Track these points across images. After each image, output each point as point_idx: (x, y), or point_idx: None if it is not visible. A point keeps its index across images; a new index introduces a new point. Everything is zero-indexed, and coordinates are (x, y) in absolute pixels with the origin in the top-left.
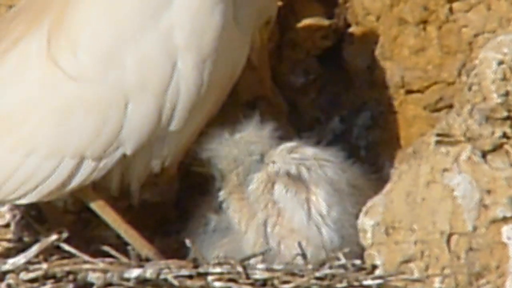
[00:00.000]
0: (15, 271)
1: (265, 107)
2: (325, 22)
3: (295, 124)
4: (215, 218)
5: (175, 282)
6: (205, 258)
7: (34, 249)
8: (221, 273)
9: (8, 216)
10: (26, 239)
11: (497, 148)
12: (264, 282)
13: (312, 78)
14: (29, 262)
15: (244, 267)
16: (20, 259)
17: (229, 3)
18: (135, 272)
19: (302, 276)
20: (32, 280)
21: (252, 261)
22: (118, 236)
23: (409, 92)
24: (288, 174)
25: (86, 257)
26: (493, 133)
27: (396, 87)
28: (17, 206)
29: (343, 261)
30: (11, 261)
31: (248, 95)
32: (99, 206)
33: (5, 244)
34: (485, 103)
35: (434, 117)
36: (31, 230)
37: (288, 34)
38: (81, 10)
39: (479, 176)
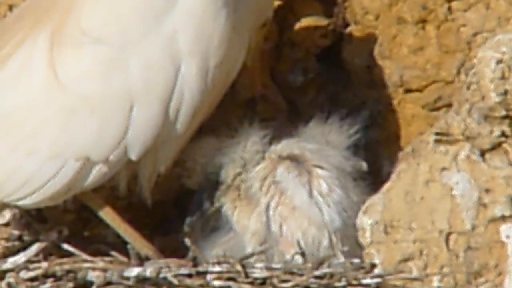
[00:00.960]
0: (15, 269)
1: (264, 106)
2: (324, 21)
3: (295, 123)
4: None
5: (175, 281)
6: (204, 257)
7: (34, 248)
8: (221, 272)
9: (8, 215)
10: (26, 238)
11: (495, 147)
12: (263, 281)
13: (311, 77)
14: (29, 261)
15: (243, 266)
16: (20, 258)
17: (231, 8)
18: (135, 271)
19: (301, 275)
20: (32, 279)
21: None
22: (118, 235)
23: (408, 91)
24: (290, 157)
25: (86, 256)
26: (491, 132)
27: (395, 86)
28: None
29: (342, 259)
30: (11, 260)
31: (248, 94)
32: (98, 206)
33: (5, 243)
34: (484, 102)
35: (433, 116)
36: (31, 229)
37: (287, 33)
38: (84, 14)
39: (477, 175)
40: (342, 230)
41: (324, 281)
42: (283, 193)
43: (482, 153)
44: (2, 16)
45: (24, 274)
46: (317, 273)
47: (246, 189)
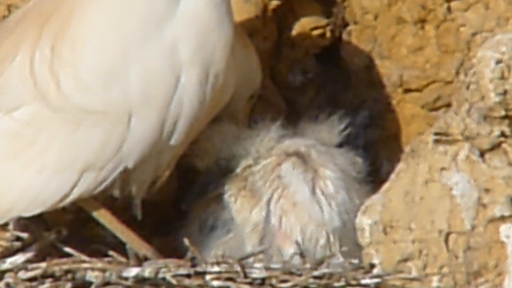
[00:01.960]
0: (14, 270)
1: (263, 106)
2: (323, 21)
3: (294, 123)
4: (214, 215)
5: (174, 281)
6: (203, 257)
7: (33, 248)
8: (219, 272)
9: None
10: (25, 238)
11: (495, 147)
12: (262, 281)
13: (310, 77)
14: (28, 261)
15: (242, 266)
16: (19, 258)
17: (233, 17)
18: (133, 271)
19: (300, 275)
20: (31, 279)
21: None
22: (116, 235)
23: (407, 91)
24: (297, 153)
25: (84, 256)
26: (491, 132)
27: (394, 86)
28: None
29: (341, 260)
30: (10, 260)
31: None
32: (94, 208)
33: (4, 243)
34: (483, 102)
35: (432, 116)
36: (29, 229)
37: (287, 33)
38: (85, 23)
39: (477, 175)
40: (341, 231)
41: (323, 281)
42: (286, 188)
43: (482, 153)
44: (1, 16)
45: (23, 274)
46: (316, 273)
47: (252, 182)
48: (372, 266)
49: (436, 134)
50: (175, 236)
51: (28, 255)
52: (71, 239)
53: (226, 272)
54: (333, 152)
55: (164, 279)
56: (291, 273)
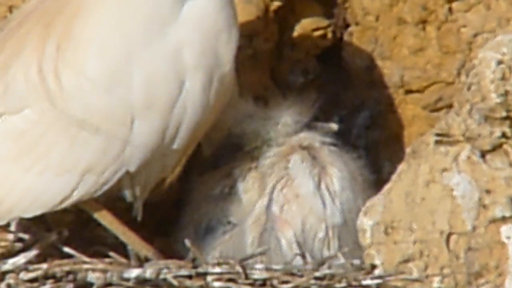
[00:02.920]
0: (15, 271)
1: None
2: (324, 22)
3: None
4: (208, 217)
5: (175, 282)
6: (204, 257)
7: (34, 249)
8: (221, 273)
9: None
10: (26, 239)
11: (496, 148)
12: (264, 282)
13: (311, 78)
14: (29, 262)
15: (244, 267)
16: (20, 259)
17: (238, 22)
18: (134, 272)
19: (302, 276)
20: (32, 280)
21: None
22: (118, 237)
23: (408, 92)
24: (309, 148)
25: (85, 257)
26: (492, 133)
27: (395, 87)
28: None
29: (342, 260)
30: (11, 261)
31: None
32: (95, 209)
33: (5, 244)
34: (484, 103)
35: (433, 117)
36: (31, 230)
37: (288, 34)
38: (89, 27)
39: (478, 175)
40: (341, 228)
41: (324, 282)
42: (291, 179)
43: (483, 154)
44: (2, 17)
45: (24, 275)
46: (317, 274)
47: (262, 166)
48: (373, 267)
49: (437, 135)
50: (173, 239)
51: (29, 256)
52: (72, 240)
53: (227, 273)
54: (344, 154)
55: (165, 280)
56: (292, 274)
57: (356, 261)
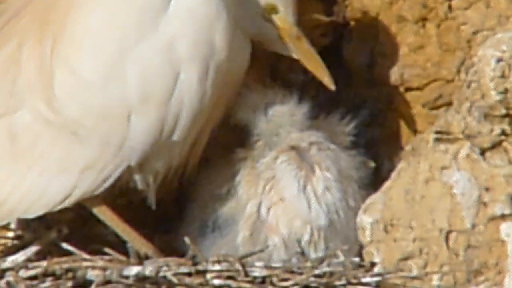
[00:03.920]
0: (15, 268)
1: None
2: (324, 19)
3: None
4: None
5: (174, 280)
6: (203, 255)
7: (34, 247)
8: (220, 271)
9: None
10: (25, 237)
11: (495, 145)
12: (263, 279)
13: (311, 75)
14: (28, 260)
15: (243, 265)
16: (20, 256)
17: (232, 11)
18: (134, 270)
19: (301, 273)
20: (32, 278)
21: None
22: (117, 234)
23: (408, 89)
24: (296, 149)
25: (85, 255)
26: (491, 130)
27: (395, 85)
28: None
29: (341, 258)
30: (10, 258)
31: None
32: (95, 205)
33: (5, 242)
34: (484, 100)
35: (433, 114)
36: (30, 228)
37: None
38: (81, 23)
39: (477, 173)
40: (327, 230)
41: (324, 280)
42: (277, 181)
43: (482, 152)
44: None
45: (24, 273)
46: (317, 272)
47: (259, 167)
48: (373, 264)
49: (437, 132)
50: (174, 235)
51: (29, 253)
52: (72, 237)
53: (227, 270)
54: (339, 153)
55: (165, 277)
56: (292, 272)
57: (356, 259)
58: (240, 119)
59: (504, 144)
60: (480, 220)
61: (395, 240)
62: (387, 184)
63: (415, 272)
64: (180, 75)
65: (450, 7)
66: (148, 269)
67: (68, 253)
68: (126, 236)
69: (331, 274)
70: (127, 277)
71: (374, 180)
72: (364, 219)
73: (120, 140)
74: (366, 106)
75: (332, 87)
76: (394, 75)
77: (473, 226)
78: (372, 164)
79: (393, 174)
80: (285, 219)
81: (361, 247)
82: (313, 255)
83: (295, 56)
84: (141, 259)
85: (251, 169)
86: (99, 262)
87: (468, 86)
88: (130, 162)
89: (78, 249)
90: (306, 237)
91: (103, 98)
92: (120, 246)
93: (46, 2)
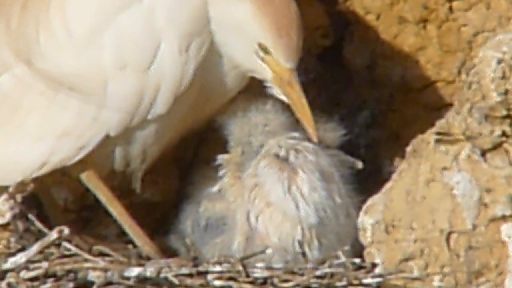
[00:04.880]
0: (16, 269)
1: None
2: (325, 21)
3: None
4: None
5: (176, 281)
6: (203, 256)
7: (35, 247)
8: (221, 272)
9: (8, 215)
10: (26, 237)
11: (496, 146)
12: (264, 280)
13: (312, 77)
14: (29, 261)
15: (244, 266)
16: (21, 257)
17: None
18: (135, 271)
19: (302, 274)
20: (33, 279)
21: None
22: (119, 235)
23: (409, 90)
24: (276, 155)
25: (86, 256)
26: (492, 131)
27: (396, 86)
28: (18, 204)
29: (342, 259)
30: (11, 259)
31: None
32: (108, 198)
33: (6, 243)
34: (485, 101)
35: (433, 115)
36: (31, 229)
37: None
38: None
39: (478, 174)
40: (318, 228)
41: (325, 281)
42: (261, 187)
43: (483, 153)
44: None
45: (25, 274)
46: (317, 273)
47: (244, 175)
48: (374, 265)
49: (438, 133)
50: (168, 236)
51: (30, 254)
52: (73, 238)
53: (228, 271)
54: (318, 151)
55: (166, 278)
56: (293, 273)
57: (357, 260)
58: (218, 123)
59: (505, 145)
60: (481, 221)
61: (396, 241)
62: (388, 185)
63: (416, 273)
64: (160, 45)
65: (451, 8)
66: (149, 270)
67: (69, 254)
68: (132, 232)
69: (332, 275)
70: (128, 278)
71: (375, 181)
72: (365, 220)
73: (97, 107)
74: (367, 107)
75: (315, 139)
76: (395, 76)
77: (474, 227)
78: (359, 165)
79: (394, 175)
80: (274, 226)
81: (362, 247)
82: (308, 254)
83: (285, 100)
84: (142, 260)
85: (234, 177)
86: (100, 263)
87: (469, 87)
88: (108, 131)
89: (79, 250)
90: (298, 238)
91: (80, 62)
92: (121, 247)
93: None
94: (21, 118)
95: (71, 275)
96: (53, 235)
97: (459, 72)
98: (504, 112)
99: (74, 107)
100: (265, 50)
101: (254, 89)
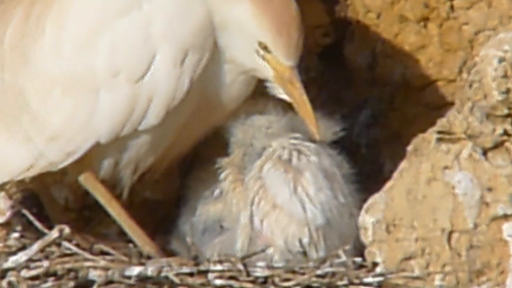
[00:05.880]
0: (16, 268)
1: None
2: (326, 19)
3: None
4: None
5: (176, 280)
6: (204, 255)
7: (35, 246)
8: (222, 271)
9: (9, 214)
10: (27, 236)
11: (497, 145)
12: (265, 279)
13: (313, 75)
14: (30, 260)
15: (245, 265)
16: (21, 256)
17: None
18: (136, 270)
19: (303, 273)
20: (33, 278)
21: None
22: (119, 234)
23: (410, 89)
24: (279, 157)
25: (87, 255)
26: (493, 130)
27: (397, 85)
28: (19, 204)
29: (343, 258)
30: (12, 258)
31: None
32: (105, 198)
33: (6, 242)
34: (486, 100)
35: (434, 114)
36: (32, 227)
37: None
38: None
39: (479, 173)
40: (325, 228)
41: (326, 280)
42: (266, 190)
43: (484, 152)
44: None
45: (25, 273)
46: (318, 272)
47: (247, 177)
48: (375, 264)
49: (439, 132)
50: (168, 238)
51: (30, 253)
52: (74, 237)
53: (229, 270)
54: (320, 151)
55: (167, 277)
56: (294, 272)
57: (358, 259)
58: (220, 127)
59: (506, 144)
60: (482, 220)
61: (397, 240)
62: (389, 184)
63: (417, 272)
64: (156, 56)
65: (452, 7)
66: (150, 269)
67: (70, 253)
68: (132, 233)
69: (333, 274)
70: (129, 277)
71: (376, 180)
72: (366, 219)
73: (88, 113)
74: (368, 106)
75: (317, 137)
76: (396, 75)
77: (475, 226)
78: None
79: (395, 174)
80: (280, 229)
81: (363, 246)
82: (314, 255)
83: (287, 99)
84: (143, 259)
85: (236, 180)
86: (101, 262)
87: (470, 86)
88: (98, 138)
89: (80, 249)
90: (305, 240)
91: (76, 64)
92: (122, 246)
93: None
94: (11, 118)
95: (72, 274)
96: (54, 234)
97: (460, 71)
98: (506, 111)
99: (65, 111)
100: (265, 48)
101: (256, 92)
